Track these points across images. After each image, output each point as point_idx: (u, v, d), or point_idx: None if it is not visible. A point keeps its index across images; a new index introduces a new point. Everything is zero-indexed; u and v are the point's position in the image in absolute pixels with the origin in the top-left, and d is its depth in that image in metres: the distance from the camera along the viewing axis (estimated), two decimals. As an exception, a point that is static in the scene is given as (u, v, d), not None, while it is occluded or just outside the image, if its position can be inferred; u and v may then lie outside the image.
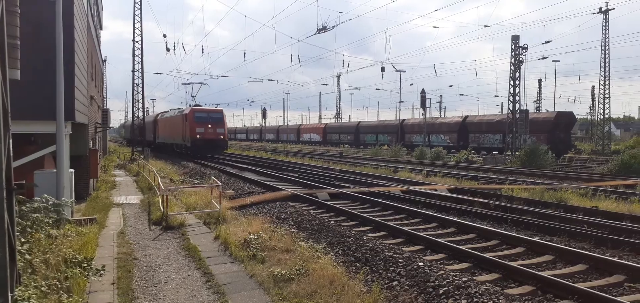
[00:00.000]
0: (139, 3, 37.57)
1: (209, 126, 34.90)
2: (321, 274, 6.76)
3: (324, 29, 33.49)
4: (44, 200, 8.59)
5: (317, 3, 31.60)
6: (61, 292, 5.64)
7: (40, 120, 11.05)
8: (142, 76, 38.92)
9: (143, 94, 39.88)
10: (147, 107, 73.24)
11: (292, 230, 10.43)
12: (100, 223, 10.70)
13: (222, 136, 35.81)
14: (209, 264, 7.77)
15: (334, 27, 33.19)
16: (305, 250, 8.19)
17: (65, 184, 10.11)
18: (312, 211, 13.14)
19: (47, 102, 10.40)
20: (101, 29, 34.22)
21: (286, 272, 6.94)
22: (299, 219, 11.71)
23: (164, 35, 39.57)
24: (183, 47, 76.43)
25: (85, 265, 6.87)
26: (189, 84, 40.21)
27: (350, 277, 6.96)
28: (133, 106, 40.59)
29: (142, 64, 38.67)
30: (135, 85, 39.35)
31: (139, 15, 37.89)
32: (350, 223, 11.47)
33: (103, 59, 44.13)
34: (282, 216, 12.23)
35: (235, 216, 11.60)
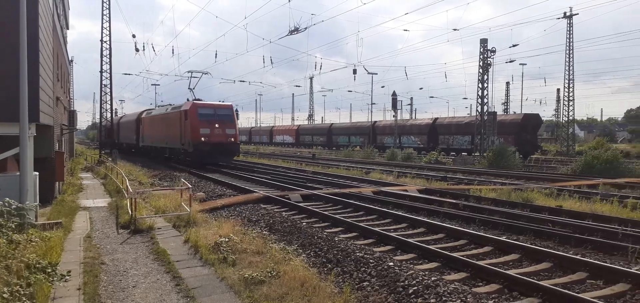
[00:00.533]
0: (108, 2, 36.83)
1: (217, 125, 27.86)
2: (292, 276, 6.75)
3: (296, 30, 33.45)
4: (6, 203, 8.33)
5: (289, 4, 31.53)
6: (24, 299, 5.48)
7: (3, 121, 10.71)
8: (111, 76, 38.15)
9: (111, 95, 39.09)
10: (116, 109, 71.74)
11: (264, 232, 10.40)
12: (66, 227, 10.43)
13: (232, 139, 28.56)
14: (178, 268, 7.67)
15: (306, 28, 33.21)
16: (277, 252, 8.18)
17: (29, 187, 9.81)
18: (284, 213, 13.11)
19: (10, 103, 10.09)
20: (68, 28, 33.31)
21: (257, 275, 6.91)
22: (271, 221, 11.67)
23: (133, 36, 38.74)
24: (153, 47, 75.10)
25: (49, 270, 6.68)
26: (188, 73, 32.10)
27: (322, 279, 6.99)
28: (101, 107, 39.72)
29: (110, 65, 37.91)
30: (103, 86, 38.53)
31: (108, 15, 37.14)
32: (323, 225, 11.50)
33: (70, 59, 43.03)
34: (254, 219, 12.16)
35: (206, 219, 11.49)
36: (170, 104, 35.31)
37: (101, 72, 37.90)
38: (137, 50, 41.30)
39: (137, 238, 9.89)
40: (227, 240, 8.68)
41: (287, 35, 34.02)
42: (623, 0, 42.66)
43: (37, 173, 11.37)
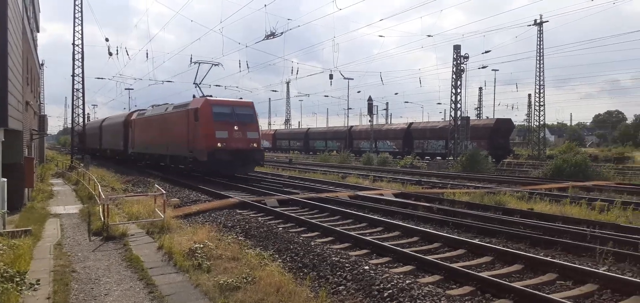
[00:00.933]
0: (80, 5, 36.12)
1: (236, 128, 22.72)
2: (268, 282, 6.73)
3: (272, 35, 33.37)
4: (-28, 211, 8.09)
5: (266, 9, 31.58)
6: (-9, 309, 5.33)
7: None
8: (83, 80, 37.33)
9: (83, 100, 38.27)
10: (88, 113, 70.33)
11: (240, 238, 10.34)
12: (36, 235, 10.17)
13: (255, 144, 23.39)
14: (152, 275, 7.56)
15: (282, 33, 33.19)
16: (253, 257, 8.14)
17: (-3, 194, 9.56)
18: (260, 218, 13.06)
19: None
20: (38, 31, 32.50)
21: (232, 281, 6.86)
22: (247, 227, 11.61)
23: (106, 39, 37.92)
24: (126, 51, 74.06)
25: (18, 279, 6.52)
26: (195, 63, 26.53)
27: (298, 283, 6.98)
28: (73, 112, 38.88)
29: (82, 69, 37.11)
30: (75, 90, 37.70)
31: (80, 18, 36.39)
32: (299, 230, 11.50)
33: (40, 63, 42.00)
34: (229, 224, 12.08)
35: (181, 225, 11.36)
36: (169, 103, 29.84)
37: (73, 76, 37.09)
38: (110, 54, 40.49)
39: (109, 245, 9.71)
40: (202, 246, 8.60)
41: (264, 40, 33.90)
42: (591, 8, 44.08)
43: (5, 180, 11.07)
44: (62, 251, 9.12)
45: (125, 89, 70.46)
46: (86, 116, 46.52)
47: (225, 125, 22.50)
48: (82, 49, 36.68)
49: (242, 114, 23.52)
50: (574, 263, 8.11)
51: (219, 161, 21.90)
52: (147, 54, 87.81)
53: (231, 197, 16.28)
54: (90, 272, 7.78)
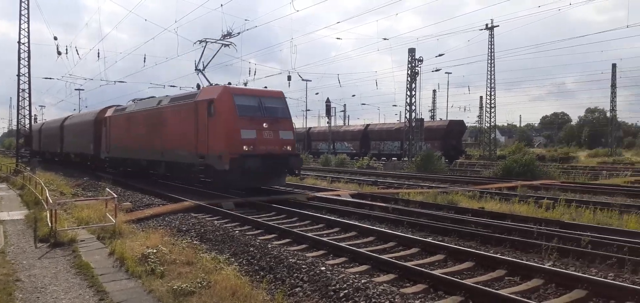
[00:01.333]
0: (26, 2, 34.57)
1: (265, 126, 17.40)
2: (224, 285, 6.66)
3: (229, 35, 33.00)
4: None
5: (222, 9, 31.21)
6: None
7: None
8: (29, 80, 35.74)
9: (30, 101, 36.63)
10: (35, 115, 67.36)
11: (195, 242, 10.18)
12: (-24, 243, 9.66)
13: (289, 147, 18.14)
14: (102, 281, 7.33)
15: (239, 33, 32.83)
16: (208, 261, 8.03)
17: None
18: (216, 221, 12.89)
19: None
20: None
21: (187, 286, 6.75)
22: (202, 230, 11.44)
23: (55, 38, 36.10)
24: (77, 50, 71.17)
25: (-44, 290, 6.17)
26: (200, 42, 21.15)
27: (254, 286, 6.94)
28: (18, 113, 37.13)
29: (28, 68, 35.52)
30: (21, 90, 36.03)
31: (26, 15, 34.83)
32: (256, 232, 11.43)
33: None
34: (184, 228, 11.86)
35: (133, 230, 11.07)
36: (163, 96, 23.26)
37: (19, 76, 35.42)
38: (59, 53, 38.83)
39: (57, 252, 9.34)
40: (155, 251, 8.40)
41: (220, 40, 33.53)
42: (538, 14, 46.02)
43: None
44: (6, 259, 8.70)
45: (75, 89, 67.81)
46: (33, 118, 44.55)
47: (252, 122, 17.11)
48: (29, 47, 35.14)
49: (272, 107, 18.19)
50: (522, 260, 8.43)
51: (245, 170, 16.50)
52: (98, 53, 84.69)
53: (186, 200, 15.97)
54: (36, 281, 7.47)
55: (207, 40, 21.06)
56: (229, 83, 19.40)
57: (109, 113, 28.55)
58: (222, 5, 29.44)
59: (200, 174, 18.51)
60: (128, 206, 14.86)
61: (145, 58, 41.13)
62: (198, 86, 20.32)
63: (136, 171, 25.02)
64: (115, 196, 12.06)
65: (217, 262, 8.05)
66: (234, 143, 16.69)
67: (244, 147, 16.72)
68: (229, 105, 17.14)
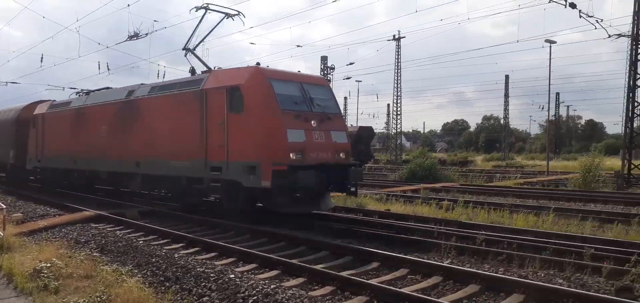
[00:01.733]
0: None
1: (314, 124, 12.50)
2: (125, 298, 6.35)
3: (136, 36, 31.48)
4: None
5: (129, 9, 29.64)
6: None
7: None
8: None
9: None
10: None
11: (94, 254, 9.59)
12: None
13: (343, 154, 13.38)
14: (-14, 301, 6.69)
15: (147, 34, 31.52)
16: (109, 274, 7.62)
17: None
18: (118, 232, 12.23)
19: None
20: None
21: (84, 301, 6.35)
22: (103, 241, 10.80)
23: None
24: (-43, 46, 64.01)
25: None
26: (198, 8, 15.20)
27: (158, 298, 6.70)
28: None
29: None
30: None
31: None
32: (162, 241, 11.00)
33: None
34: (83, 240, 11.12)
35: (24, 243, 10.19)
36: (140, 84, 17.13)
37: None
38: None
39: None
40: (49, 264, 7.82)
41: (126, 40, 31.86)
42: (440, 27, 49.04)
43: None
44: None
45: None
46: None
47: (298, 120, 12.21)
48: None
49: (320, 98, 13.42)
50: (423, 259, 8.90)
51: (295, 188, 11.88)
52: (-16, 51, 77.07)
53: (85, 210, 14.97)
54: None
55: (209, 6, 15.37)
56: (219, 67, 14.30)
57: (40, 110, 22.69)
58: (129, 5, 28.04)
59: (213, 192, 13.63)
60: (19, 218, 13.66)
61: (42, 58, 37.29)
62: (192, 71, 15.57)
63: (86, 185, 19.72)
64: (4, 207, 11.06)
65: (119, 274, 7.67)
66: (277, 147, 11.74)
67: (291, 154, 11.72)
68: (265, 93, 12.13)
